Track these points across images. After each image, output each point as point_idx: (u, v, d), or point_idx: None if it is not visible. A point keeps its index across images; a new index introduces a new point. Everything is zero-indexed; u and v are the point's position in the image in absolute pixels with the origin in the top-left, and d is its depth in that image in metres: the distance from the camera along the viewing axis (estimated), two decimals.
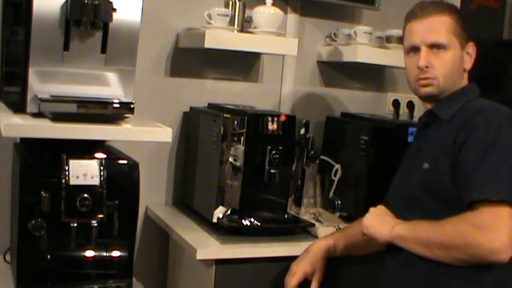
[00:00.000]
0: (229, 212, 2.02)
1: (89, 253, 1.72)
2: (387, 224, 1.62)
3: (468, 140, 1.50)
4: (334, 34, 2.54)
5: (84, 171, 1.64)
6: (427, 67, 1.62)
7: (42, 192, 1.61)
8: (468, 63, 1.68)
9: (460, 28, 1.64)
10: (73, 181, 1.62)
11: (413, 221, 1.57)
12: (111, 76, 1.72)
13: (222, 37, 2.12)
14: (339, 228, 2.07)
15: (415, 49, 1.66)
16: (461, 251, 1.45)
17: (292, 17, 2.49)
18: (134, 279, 1.80)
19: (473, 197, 1.45)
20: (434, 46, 1.62)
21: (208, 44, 2.08)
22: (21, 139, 1.94)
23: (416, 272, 1.57)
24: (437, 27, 1.63)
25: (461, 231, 1.44)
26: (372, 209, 1.71)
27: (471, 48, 1.68)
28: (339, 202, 2.35)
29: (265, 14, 2.17)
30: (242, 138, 1.99)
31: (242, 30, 2.24)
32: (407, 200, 1.66)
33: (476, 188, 1.46)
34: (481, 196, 1.44)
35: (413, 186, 1.64)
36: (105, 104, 1.65)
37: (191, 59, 2.36)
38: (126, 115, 1.70)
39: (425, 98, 1.72)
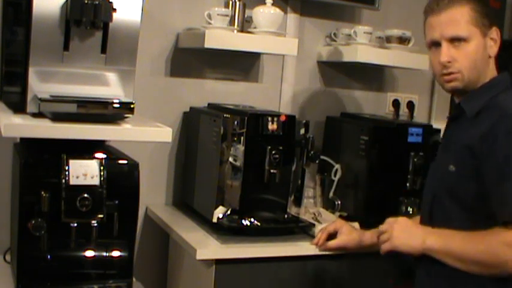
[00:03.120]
0: (229, 212, 2.02)
1: (89, 253, 1.72)
2: (417, 237, 1.62)
3: (491, 152, 1.49)
4: (334, 34, 2.54)
5: (84, 171, 1.64)
6: (449, 62, 1.59)
7: (42, 192, 1.61)
8: (493, 49, 1.63)
9: (480, 16, 1.59)
10: (73, 181, 1.62)
11: (443, 233, 1.59)
12: (111, 76, 1.72)
13: (222, 37, 2.12)
14: None
15: (436, 44, 1.62)
16: (496, 268, 1.49)
17: (292, 17, 2.49)
18: (134, 279, 1.80)
19: (505, 218, 1.47)
20: (455, 39, 1.59)
21: (208, 44, 2.08)
22: (21, 139, 1.94)
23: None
24: (456, 19, 1.58)
25: (496, 251, 1.47)
26: (396, 225, 1.68)
27: (494, 33, 1.62)
28: (339, 202, 2.35)
29: (265, 14, 2.17)
30: (242, 138, 1.99)
31: (242, 30, 2.24)
32: (433, 198, 1.68)
33: (505, 207, 1.47)
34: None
35: (438, 186, 1.65)
36: (105, 104, 1.65)
37: (191, 59, 2.36)
38: (126, 115, 1.70)
39: (452, 92, 1.69)
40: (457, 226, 1.57)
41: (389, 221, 1.71)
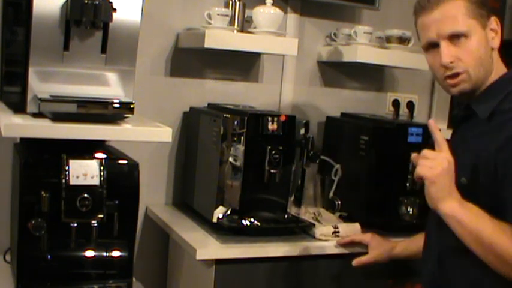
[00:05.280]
0: (229, 212, 2.02)
1: (89, 253, 1.72)
2: (450, 197, 1.40)
3: (509, 163, 1.36)
4: (334, 34, 2.54)
5: (84, 171, 1.64)
6: (452, 62, 1.45)
7: (42, 192, 1.61)
8: (495, 41, 1.47)
9: (477, 7, 1.44)
10: (73, 181, 1.62)
11: (476, 210, 1.40)
12: (111, 76, 1.72)
13: (222, 37, 2.12)
14: (337, 228, 2.07)
15: (434, 45, 1.48)
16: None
17: (292, 17, 2.49)
18: (134, 279, 1.80)
19: None
20: (454, 36, 1.44)
21: (208, 44, 2.08)
22: (21, 139, 1.94)
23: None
24: (452, 14, 1.43)
25: None
26: (446, 165, 1.41)
27: (494, 23, 1.47)
28: (339, 202, 2.35)
29: (265, 14, 2.17)
30: (242, 138, 1.99)
31: (242, 30, 2.24)
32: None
33: None
34: None
35: None
36: (105, 104, 1.65)
37: (191, 59, 2.36)
38: (126, 115, 1.70)
39: (460, 97, 1.52)
40: None
41: (443, 155, 1.43)
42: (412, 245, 1.88)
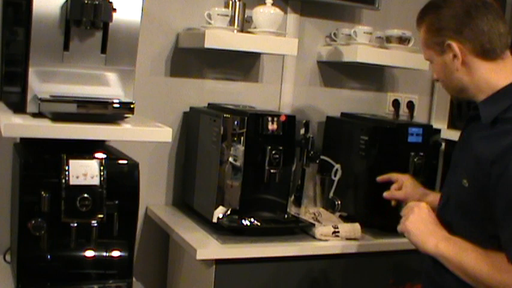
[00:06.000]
0: (229, 212, 2.02)
1: (89, 253, 1.72)
2: (431, 237, 1.49)
3: (502, 179, 1.37)
4: (334, 34, 2.54)
5: (84, 171, 1.64)
6: (436, 80, 1.59)
7: (42, 192, 1.61)
8: (455, 65, 1.48)
9: (432, 36, 1.51)
10: (73, 181, 1.62)
11: (459, 243, 1.46)
12: (111, 76, 1.72)
13: (222, 37, 2.12)
14: (337, 228, 2.07)
15: None
16: None
17: (292, 17, 2.49)
18: (134, 279, 1.80)
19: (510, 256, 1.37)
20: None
21: (208, 44, 2.08)
22: (21, 139, 1.94)
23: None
24: (421, 42, 1.56)
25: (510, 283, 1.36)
26: (416, 210, 1.55)
27: (449, 48, 1.47)
28: (339, 202, 2.35)
29: (265, 14, 2.17)
30: (242, 138, 1.99)
31: (242, 30, 2.24)
32: (443, 211, 1.57)
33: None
34: None
35: (450, 199, 1.54)
36: (105, 104, 1.65)
37: (191, 59, 2.36)
38: (126, 115, 1.70)
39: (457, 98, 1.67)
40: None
41: (410, 205, 1.59)
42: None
